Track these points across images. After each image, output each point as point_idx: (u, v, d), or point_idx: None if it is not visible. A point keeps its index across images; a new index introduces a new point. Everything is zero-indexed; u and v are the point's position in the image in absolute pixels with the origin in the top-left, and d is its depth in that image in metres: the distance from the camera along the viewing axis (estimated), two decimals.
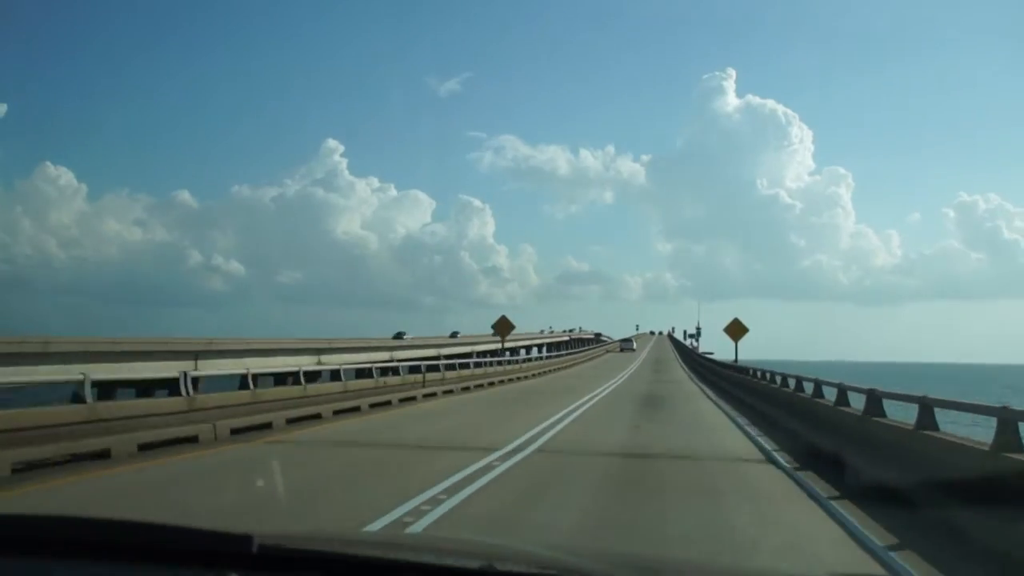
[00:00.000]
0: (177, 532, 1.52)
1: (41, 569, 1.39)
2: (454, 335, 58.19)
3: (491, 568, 1.53)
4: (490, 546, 2.61)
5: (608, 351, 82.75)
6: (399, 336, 50.72)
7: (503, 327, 35.97)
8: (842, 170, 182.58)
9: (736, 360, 32.25)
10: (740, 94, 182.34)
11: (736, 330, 33.30)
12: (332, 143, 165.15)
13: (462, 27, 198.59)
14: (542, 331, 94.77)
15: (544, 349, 72.83)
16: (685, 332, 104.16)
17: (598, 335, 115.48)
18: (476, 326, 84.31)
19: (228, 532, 1.43)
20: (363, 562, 1.46)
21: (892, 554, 6.12)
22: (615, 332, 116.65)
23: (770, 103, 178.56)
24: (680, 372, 49.69)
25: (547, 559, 2.02)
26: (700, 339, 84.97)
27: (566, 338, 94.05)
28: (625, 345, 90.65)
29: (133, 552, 1.43)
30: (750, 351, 49.28)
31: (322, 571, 1.41)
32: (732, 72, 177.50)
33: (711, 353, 57.00)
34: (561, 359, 53.27)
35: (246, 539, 1.36)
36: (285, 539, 1.53)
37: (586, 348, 78.58)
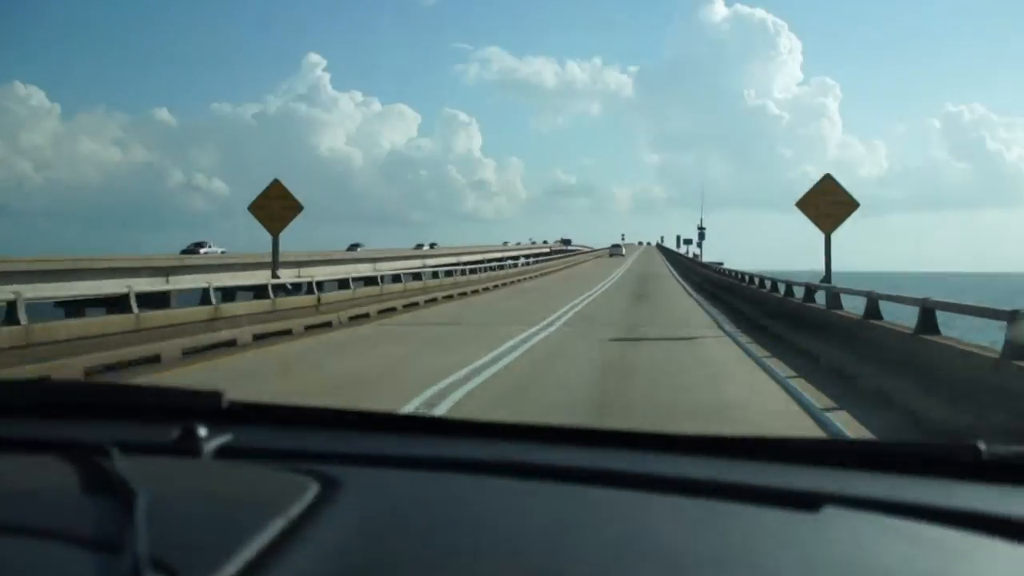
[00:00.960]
0: (144, 391, 1.57)
1: (17, 428, 1.36)
2: (419, 247, 61.54)
3: (467, 420, 1.51)
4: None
5: (579, 262, 71.01)
6: (353, 247, 51.89)
7: None
8: (830, 80, 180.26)
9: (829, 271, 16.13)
10: (729, 2, 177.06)
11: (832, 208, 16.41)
12: (314, 57, 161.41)
13: None
14: (505, 243, 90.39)
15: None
16: (679, 238, 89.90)
17: (566, 242, 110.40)
18: (464, 240, 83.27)
19: (199, 389, 1.45)
20: (338, 414, 1.47)
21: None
22: (604, 243, 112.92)
23: (759, 12, 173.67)
24: (683, 299, 30.37)
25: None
26: (703, 245, 70.68)
27: (532, 250, 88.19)
28: (614, 251, 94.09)
29: (108, 411, 1.46)
30: (737, 262, 46.47)
31: (294, 422, 1.43)
32: None
33: (720, 264, 42.62)
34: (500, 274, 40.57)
35: (215, 395, 1.40)
36: (256, 399, 1.55)
37: (542, 259, 64.75)
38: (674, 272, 56.09)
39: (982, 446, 1.18)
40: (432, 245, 61.10)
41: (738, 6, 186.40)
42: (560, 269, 56.61)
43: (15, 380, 1.70)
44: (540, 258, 66.93)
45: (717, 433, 1.29)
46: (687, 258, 66.64)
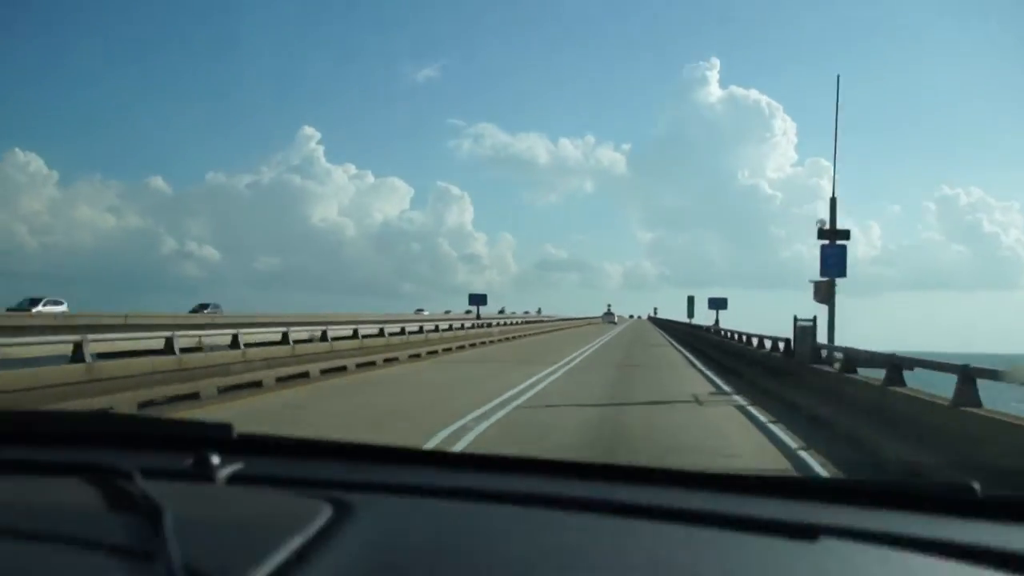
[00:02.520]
0: (159, 421, 1.67)
1: (29, 453, 1.44)
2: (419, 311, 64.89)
3: (474, 454, 1.60)
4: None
5: (553, 330, 60.36)
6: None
7: None
8: (824, 161, 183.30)
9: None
10: (724, 84, 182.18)
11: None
12: (308, 130, 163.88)
13: (438, 13, 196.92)
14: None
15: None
16: (694, 302, 57.46)
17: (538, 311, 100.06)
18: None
19: (209, 422, 1.55)
20: (343, 447, 1.50)
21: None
22: (594, 315, 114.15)
23: (753, 93, 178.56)
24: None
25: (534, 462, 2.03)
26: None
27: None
28: (607, 318, 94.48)
29: (121, 440, 1.52)
30: None
31: (302, 454, 1.49)
32: (716, 62, 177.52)
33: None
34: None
35: (225, 427, 1.45)
36: (263, 432, 1.63)
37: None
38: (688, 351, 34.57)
39: (976, 486, 1.19)
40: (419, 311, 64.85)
41: (733, 88, 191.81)
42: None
43: (44, 411, 1.85)
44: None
45: (721, 470, 1.37)
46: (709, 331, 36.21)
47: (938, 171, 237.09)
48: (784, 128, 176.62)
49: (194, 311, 40.27)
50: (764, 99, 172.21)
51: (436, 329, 30.01)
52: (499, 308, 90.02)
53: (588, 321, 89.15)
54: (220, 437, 1.45)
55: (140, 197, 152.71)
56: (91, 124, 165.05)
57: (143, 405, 10.71)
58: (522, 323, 53.42)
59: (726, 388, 16.98)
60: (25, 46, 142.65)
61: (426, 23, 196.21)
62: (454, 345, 29.57)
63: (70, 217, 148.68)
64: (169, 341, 12.46)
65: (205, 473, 1.28)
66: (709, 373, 21.34)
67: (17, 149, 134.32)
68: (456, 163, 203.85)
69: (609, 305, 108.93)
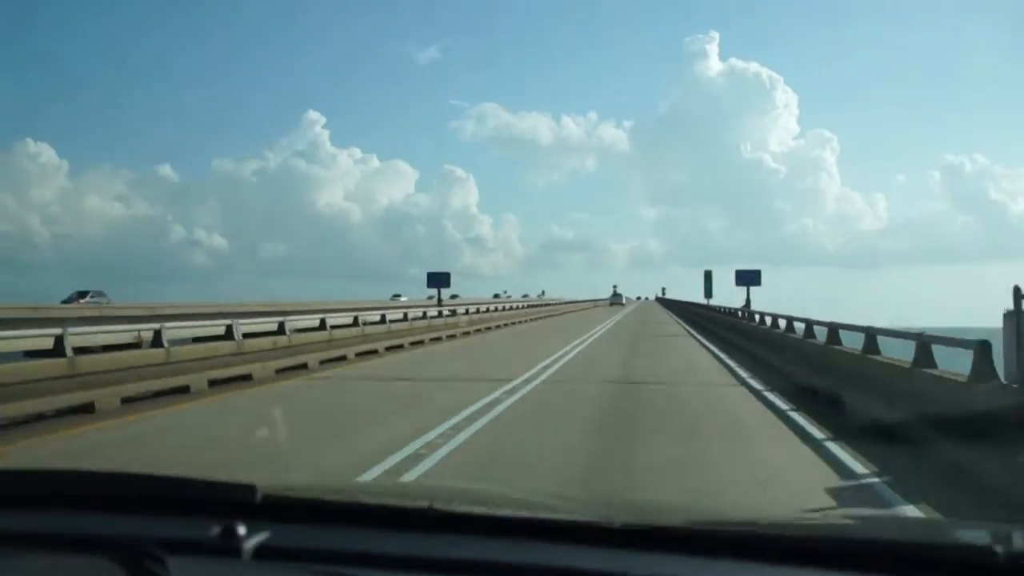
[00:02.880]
0: (181, 483, 1.56)
1: (47, 522, 1.40)
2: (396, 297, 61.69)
3: (491, 515, 1.55)
4: (491, 494, 2.64)
5: (553, 314, 55.00)
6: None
7: None
8: (827, 133, 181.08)
9: None
10: (724, 57, 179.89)
11: None
12: (313, 114, 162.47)
13: None
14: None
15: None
16: (709, 278, 50.50)
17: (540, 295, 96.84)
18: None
19: (232, 482, 1.48)
20: (366, 510, 1.51)
21: None
22: (602, 296, 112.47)
23: (754, 66, 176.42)
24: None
25: (544, 505, 2.08)
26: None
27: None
28: (615, 300, 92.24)
29: (138, 504, 1.46)
30: None
31: (325, 519, 1.43)
32: (715, 35, 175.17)
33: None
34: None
35: (250, 488, 1.40)
36: (288, 489, 1.61)
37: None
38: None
39: (999, 549, 1.13)
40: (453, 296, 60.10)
41: (733, 60, 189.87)
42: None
43: (51, 471, 1.63)
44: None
45: (722, 524, 1.47)
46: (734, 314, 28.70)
47: (941, 139, 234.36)
48: (786, 100, 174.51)
49: (68, 301, 36.46)
50: (765, 71, 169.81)
51: (382, 320, 22.72)
52: (496, 292, 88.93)
53: (595, 304, 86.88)
54: (244, 500, 1.40)
55: (148, 186, 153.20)
56: (99, 113, 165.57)
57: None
58: (511, 309, 46.02)
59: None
60: (34, 37, 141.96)
61: (427, 3, 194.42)
62: (381, 346, 20.55)
63: (80, 207, 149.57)
64: (155, 334, 12.64)
65: (231, 546, 1.25)
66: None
67: (29, 139, 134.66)
68: (460, 144, 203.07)
69: (615, 286, 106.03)
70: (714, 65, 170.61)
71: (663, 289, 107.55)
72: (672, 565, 1.25)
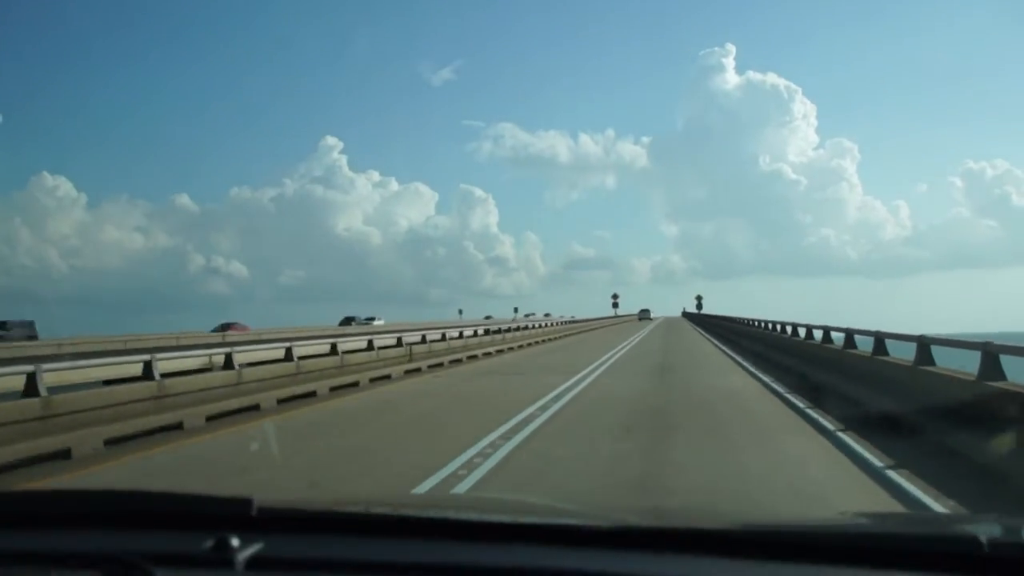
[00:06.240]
0: (176, 498, 1.54)
1: (42, 541, 1.40)
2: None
3: (484, 520, 1.56)
4: (491, 501, 2.71)
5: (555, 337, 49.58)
6: (347, 321, 52.67)
7: None
8: (847, 142, 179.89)
9: None
10: (740, 70, 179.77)
11: None
12: (330, 140, 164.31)
13: (452, 13, 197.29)
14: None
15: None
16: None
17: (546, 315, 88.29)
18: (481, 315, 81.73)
19: (227, 496, 1.45)
20: (361, 519, 1.50)
21: None
22: (624, 313, 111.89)
23: (771, 77, 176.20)
24: None
25: (551, 510, 2.08)
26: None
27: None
28: (643, 315, 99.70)
29: (134, 520, 1.46)
30: None
31: (319, 530, 1.43)
32: (731, 48, 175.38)
33: None
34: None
35: (245, 502, 1.39)
36: (285, 502, 1.59)
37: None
38: None
39: (984, 539, 1.15)
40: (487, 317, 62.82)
41: (750, 73, 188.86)
42: None
43: (44, 491, 1.83)
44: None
45: (709, 524, 1.39)
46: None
47: (961, 145, 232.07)
48: (804, 111, 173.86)
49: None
50: (782, 82, 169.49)
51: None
52: (519, 310, 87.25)
53: (615, 321, 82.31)
54: (239, 513, 1.39)
55: (167, 216, 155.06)
56: (117, 144, 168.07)
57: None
58: (546, 326, 46.70)
59: None
60: (51, 73, 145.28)
61: (439, 25, 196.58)
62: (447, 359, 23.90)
63: (98, 239, 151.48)
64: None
65: (224, 558, 1.23)
66: None
67: (46, 172, 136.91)
68: (478, 165, 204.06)
69: (615, 302, 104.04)
70: (731, 78, 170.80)
71: (699, 298, 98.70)
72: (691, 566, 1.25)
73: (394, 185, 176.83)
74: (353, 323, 50.91)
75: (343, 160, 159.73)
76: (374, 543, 1.38)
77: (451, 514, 1.69)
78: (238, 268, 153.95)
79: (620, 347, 32.00)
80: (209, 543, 1.26)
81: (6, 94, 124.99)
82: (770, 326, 24.71)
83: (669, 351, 29.75)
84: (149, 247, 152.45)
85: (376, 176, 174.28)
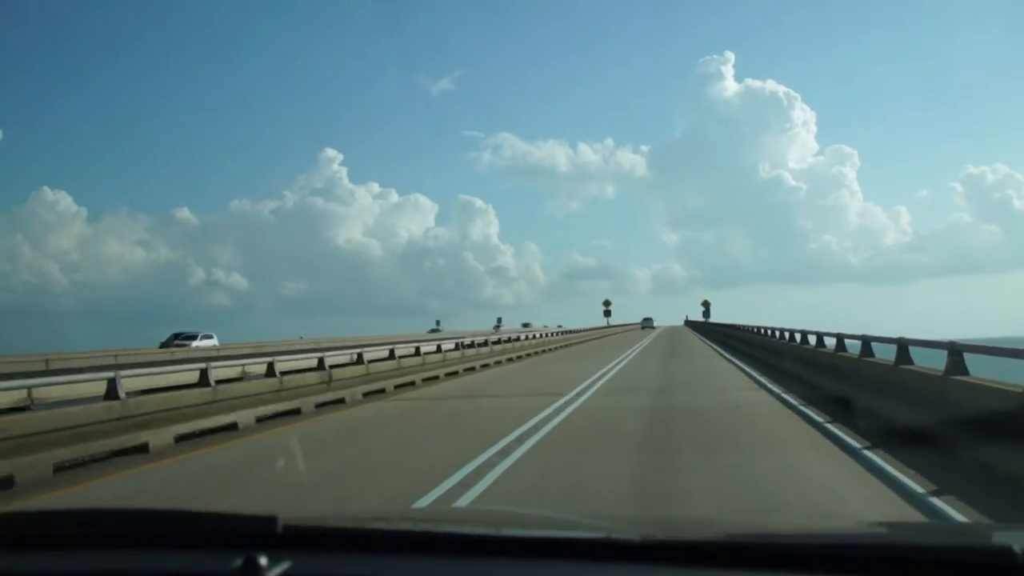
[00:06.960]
0: (202, 517, 1.53)
1: (70, 561, 1.41)
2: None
3: (502, 535, 1.59)
4: (510, 515, 2.68)
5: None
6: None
7: None
8: (847, 148, 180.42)
9: None
10: (739, 78, 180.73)
11: None
12: (330, 152, 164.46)
13: (450, 24, 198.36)
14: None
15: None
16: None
17: (525, 325, 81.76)
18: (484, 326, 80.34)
19: (252, 514, 1.45)
20: (387, 536, 1.49)
21: None
22: (626, 322, 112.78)
23: (770, 84, 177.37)
24: None
25: (555, 521, 2.14)
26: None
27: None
28: (646, 324, 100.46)
29: (158, 539, 1.47)
30: None
31: (347, 548, 1.45)
32: (730, 56, 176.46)
33: None
34: None
35: (271, 520, 1.38)
36: (309, 519, 1.58)
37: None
38: None
39: (1018, 548, 1.12)
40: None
41: (749, 80, 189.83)
42: None
43: (71, 510, 1.80)
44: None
45: (738, 536, 1.36)
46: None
47: (961, 150, 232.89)
48: (804, 118, 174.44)
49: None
50: (781, 89, 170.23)
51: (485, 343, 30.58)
52: (524, 321, 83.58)
53: (609, 331, 76.82)
54: (265, 531, 1.39)
55: (167, 229, 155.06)
56: (117, 158, 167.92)
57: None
58: (547, 336, 45.47)
59: None
60: (51, 88, 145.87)
61: (437, 35, 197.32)
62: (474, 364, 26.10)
63: (99, 253, 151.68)
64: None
65: None
66: None
67: (46, 188, 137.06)
68: (477, 175, 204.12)
69: (606, 309, 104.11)
70: (730, 86, 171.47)
71: (706, 303, 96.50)
72: None
73: (394, 196, 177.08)
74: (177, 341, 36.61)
75: (343, 172, 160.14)
76: (399, 559, 1.40)
77: (480, 530, 1.71)
78: (238, 280, 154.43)
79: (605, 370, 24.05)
80: (238, 562, 1.25)
81: (6, 109, 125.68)
82: (778, 334, 23.62)
83: (672, 359, 29.70)
84: (150, 260, 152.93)
85: (376, 188, 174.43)
